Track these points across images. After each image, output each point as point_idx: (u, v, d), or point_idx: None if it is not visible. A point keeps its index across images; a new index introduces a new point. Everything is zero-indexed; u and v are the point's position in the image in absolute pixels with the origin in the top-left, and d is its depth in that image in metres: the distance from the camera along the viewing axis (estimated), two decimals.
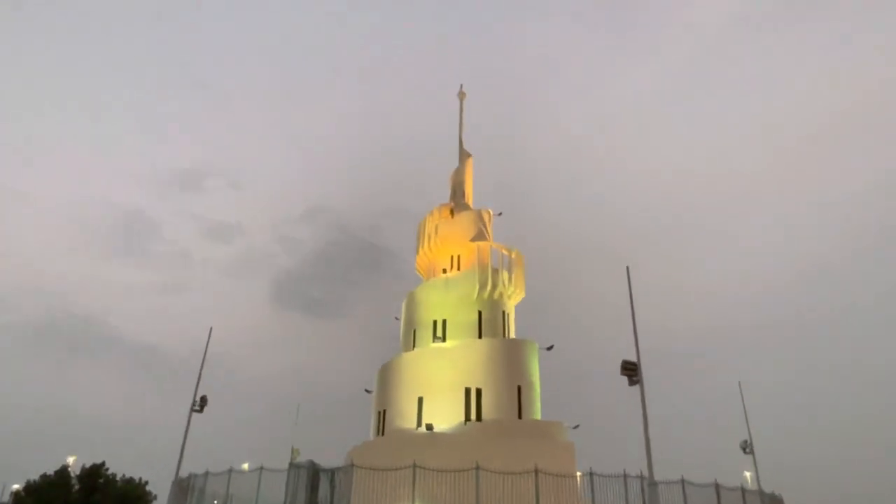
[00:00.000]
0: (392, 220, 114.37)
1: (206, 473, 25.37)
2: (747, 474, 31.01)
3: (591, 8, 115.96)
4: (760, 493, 25.61)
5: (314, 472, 24.68)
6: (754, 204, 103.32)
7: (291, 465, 24.42)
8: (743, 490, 24.15)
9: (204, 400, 28.87)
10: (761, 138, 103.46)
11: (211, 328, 31.59)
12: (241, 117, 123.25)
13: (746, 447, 30.47)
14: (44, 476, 41.80)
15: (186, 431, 27.96)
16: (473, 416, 29.36)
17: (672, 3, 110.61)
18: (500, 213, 38.67)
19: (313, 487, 24.37)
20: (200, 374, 29.79)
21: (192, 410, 28.58)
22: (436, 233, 36.42)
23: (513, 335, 34.04)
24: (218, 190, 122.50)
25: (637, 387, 22.93)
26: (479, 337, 32.34)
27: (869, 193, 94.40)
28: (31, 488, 40.86)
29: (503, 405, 29.71)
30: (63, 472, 42.32)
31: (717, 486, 22.70)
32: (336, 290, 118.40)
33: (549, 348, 32.67)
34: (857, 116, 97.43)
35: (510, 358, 31.03)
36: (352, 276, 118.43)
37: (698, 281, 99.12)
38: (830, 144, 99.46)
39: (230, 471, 24.53)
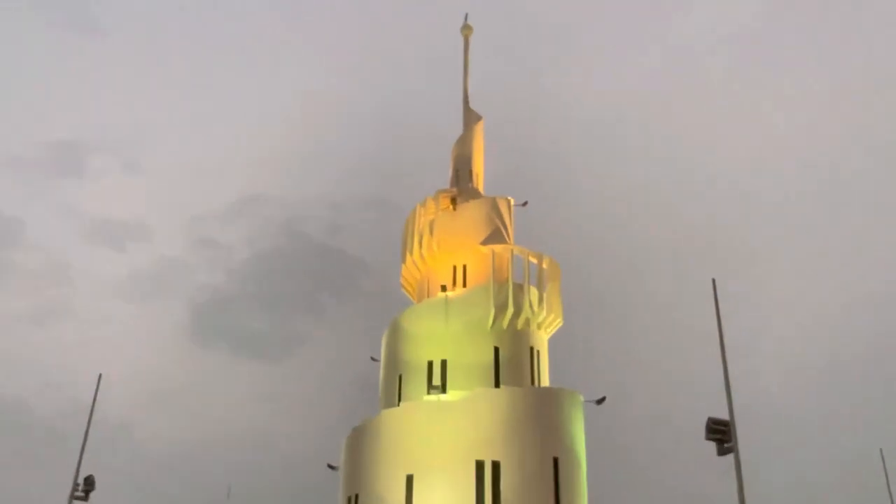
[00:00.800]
0: (364, 216, 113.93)
1: None
2: None
3: None
4: None
5: None
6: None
7: None
8: None
9: (90, 481, 28.25)
10: None
11: (100, 375, 31.21)
12: (140, 69, 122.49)
13: None
14: None
15: None
16: (489, 501, 28.76)
17: None
18: (524, 203, 38.60)
19: None
20: (85, 442, 29.39)
21: (73, 497, 27.98)
22: (431, 232, 36.06)
23: (546, 382, 33.69)
24: (107, 173, 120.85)
25: (730, 456, 22.70)
26: (497, 385, 31.84)
27: None
28: None
29: (532, 486, 29.22)
30: None
31: None
32: (281, 317, 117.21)
33: (600, 402, 32.25)
34: None
35: (542, 416, 30.60)
36: (305, 297, 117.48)
37: (803, 308, 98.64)
38: None
39: None
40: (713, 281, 26.52)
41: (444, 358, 32.54)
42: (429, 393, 31.87)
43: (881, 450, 33.65)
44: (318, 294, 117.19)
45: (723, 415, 23.59)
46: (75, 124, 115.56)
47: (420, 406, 31.48)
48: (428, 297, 35.54)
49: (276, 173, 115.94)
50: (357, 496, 30.83)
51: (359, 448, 31.74)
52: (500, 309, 32.97)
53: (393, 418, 31.65)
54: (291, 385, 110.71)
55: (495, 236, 35.76)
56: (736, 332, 26.30)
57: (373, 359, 36.14)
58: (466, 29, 43.73)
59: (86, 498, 28.18)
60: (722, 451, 23.31)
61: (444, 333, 33.02)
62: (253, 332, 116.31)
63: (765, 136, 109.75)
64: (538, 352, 33.91)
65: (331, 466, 33.51)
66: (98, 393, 30.69)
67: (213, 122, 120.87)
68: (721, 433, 23.50)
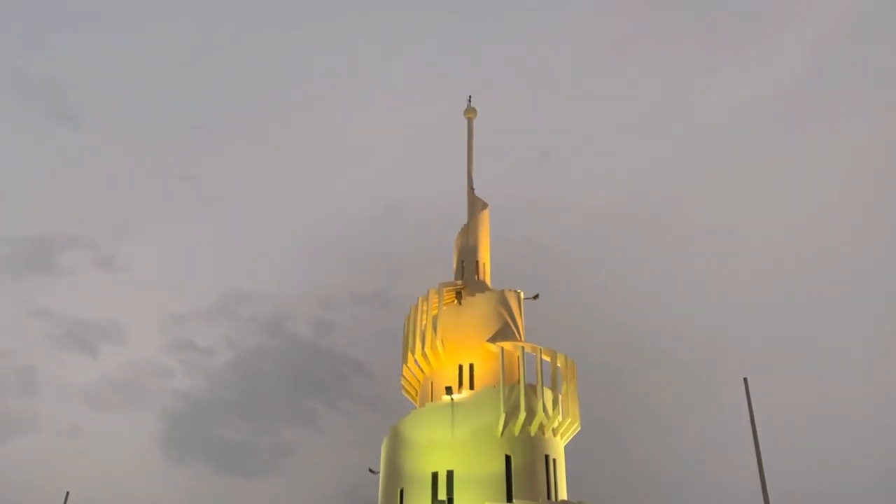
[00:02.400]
0: (358, 312, 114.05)
1: None
2: None
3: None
4: None
5: None
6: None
7: None
8: None
9: None
10: None
11: (67, 493, 30.79)
12: (117, 161, 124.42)
13: None
14: None
15: None
16: None
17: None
18: (535, 296, 38.73)
19: None
20: None
21: None
22: (434, 329, 36.00)
23: (564, 496, 33.04)
24: (79, 270, 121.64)
25: None
26: (509, 499, 31.06)
27: None
28: None
29: None
30: None
31: None
32: (266, 427, 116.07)
33: None
34: None
35: None
36: (292, 403, 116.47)
37: (841, 404, 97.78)
38: None
39: None
40: (745, 380, 26.76)
41: (450, 469, 31.96)
42: None
43: None
44: (307, 400, 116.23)
45: None
46: (46, 218, 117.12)
47: None
48: (431, 400, 35.18)
49: (260, 268, 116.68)
50: None
51: None
52: (512, 413, 32.51)
53: None
54: (278, 502, 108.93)
55: (504, 333, 35.65)
56: (771, 429, 26.32)
57: (371, 471, 35.65)
58: (470, 112, 44.51)
59: None
60: None
61: (449, 441, 32.53)
62: (234, 444, 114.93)
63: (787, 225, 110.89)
64: (554, 460, 33.31)
65: None
66: None
67: (194, 215, 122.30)
68: None
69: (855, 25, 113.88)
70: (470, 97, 45.26)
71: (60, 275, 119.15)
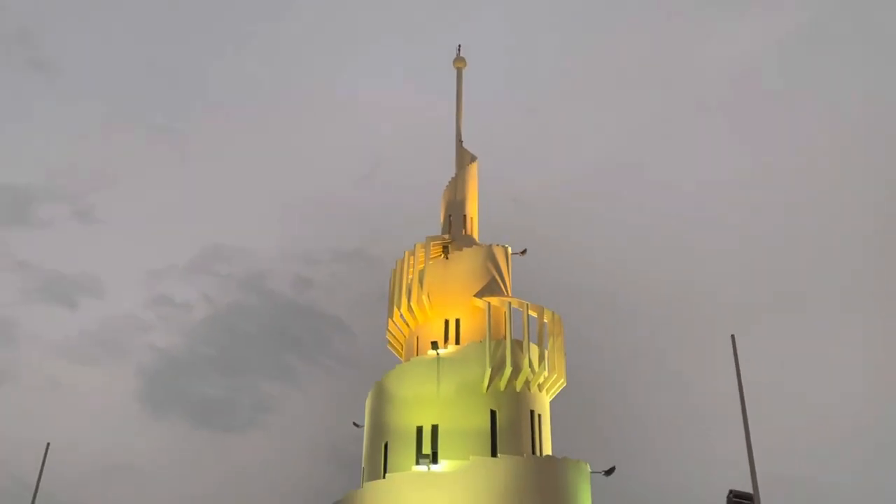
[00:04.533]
0: (338, 269, 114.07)
1: None
2: None
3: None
4: None
5: None
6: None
7: None
8: None
9: None
10: None
11: (47, 444, 31.04)
12: (97, 112, 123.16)
13: None
14: None
15: None
16: None
17: None
18: (523, 252, 38.86)
19: None
20: None
21: None
22: (420, 284, 36.20)
23: (548, 450, 33.57)
24: (55, 224, 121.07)
25: None
26: (493, 454, 31.60)
27: None
28: None
29: None
30: None
31: None
32: (245, 382, 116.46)
33: (609, 472, 32.15)
34: None
35: (545, 489, 30.39)
36: (271, 359, 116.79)
37: (831, 364, 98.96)
38: None
39: None
40: (732, 337, 26.73)
41: (434, 423, 32.38)
42: (418, 463, 31.54)
43: None
44: (287, 356, 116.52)
45: (745, 487, 23.65)
46: (22, 170, 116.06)
47: (408, 478, 31.12)
48: (417, 355, 35.45)
49: (240, 223, 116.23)
50: None
51: None
52: (497, 368, 32.88)
53: (378, 492, 31.33)
54: (258, 458, 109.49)
55: (491, 288, 35.88)
56: (758, 387, 26.56)
57: (355, 424, 35.98)
58: (459, 61, 44.18)
59: None
60: None
61: (434, 396, 32.87)
62: (213, 400, 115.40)
63: (773, 184, 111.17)
64: (539, 416, 33.79)
65: None
66: (45, 464, 30.59)
67: (174, 169, 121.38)
68: None
69: None
70: (459, 46, 44.93)
71: (38, 227, 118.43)
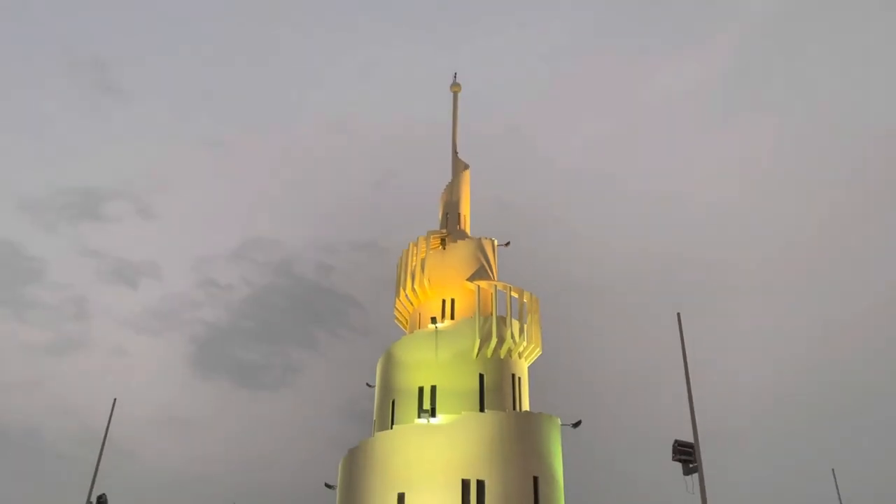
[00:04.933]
0: (354, 258, 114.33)
1: None
2: None
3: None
4: None
5: None
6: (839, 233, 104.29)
7: None
8: None
9: (102, 500, 27.77)
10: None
11: (114, 400, 30.80)
12: (152, 123, 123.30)
13: None
14: None
15: None
16: None
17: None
18: (507, 244, 38.53)
19: None
20: (99, 463, 28.94)
21: None
22: (422, 269, 35.95)
23: (526, 407, 33.32)
24: (122, 219, 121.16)
25: (695, 476, 22.71)
26: (482, 409, 31.40)
27: None
28: None
29: (513, 502, 28.79)
30: None
31: None
32: (279, 351, 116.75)
33: (576, 425, 31.99)
34: None
35: (523, 438, 30.19)
36: (301, 332, 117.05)
37: (758, 339, 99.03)
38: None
39: None
40: (678, 315, 26.53)
41: (433, 384, 32.18)
42: (419, 416, 31.53)
43: (833, 470, 33.80)
44: (311, 328, 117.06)
45: (688, 437, 23.55)
46: (96, 175, 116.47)
47: (412, 429, 31.08)
48: (419, 328, 35.28)
49: (273, 219, 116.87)
50: None
51: (354, 468, 31.24)
52: (485, 339, 32.77)
53: (387, 440, 31.24)
54: (288, 411, 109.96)
55: (480, 273, 35.64)
56: (699, 357, 26.36)
57: (368, 385, 35.80)
58: (455, 86, 44.29)
59: None
60: (687, 472, 23.19)
61: (433, 362, 32.74)
62: (251, 364, 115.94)
63: (728, 182, 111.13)
64: (519, 378, 33.61)
65: (328, 486, 33.00)
66: (112, 417, 30.52)
67: (220, 175, 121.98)
68: (686, 454, 23.42)
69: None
70: (455, 74, 45.12)
71: (107, 222, 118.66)
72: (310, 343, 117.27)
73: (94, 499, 27.70)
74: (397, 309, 37.67)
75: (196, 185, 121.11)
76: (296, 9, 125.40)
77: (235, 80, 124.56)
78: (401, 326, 38.08)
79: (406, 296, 36.61)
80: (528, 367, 34.76)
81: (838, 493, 31.98)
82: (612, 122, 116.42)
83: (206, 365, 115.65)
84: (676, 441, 23.48)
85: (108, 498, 27.94)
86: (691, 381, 24.51)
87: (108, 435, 30.00)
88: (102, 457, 29.28)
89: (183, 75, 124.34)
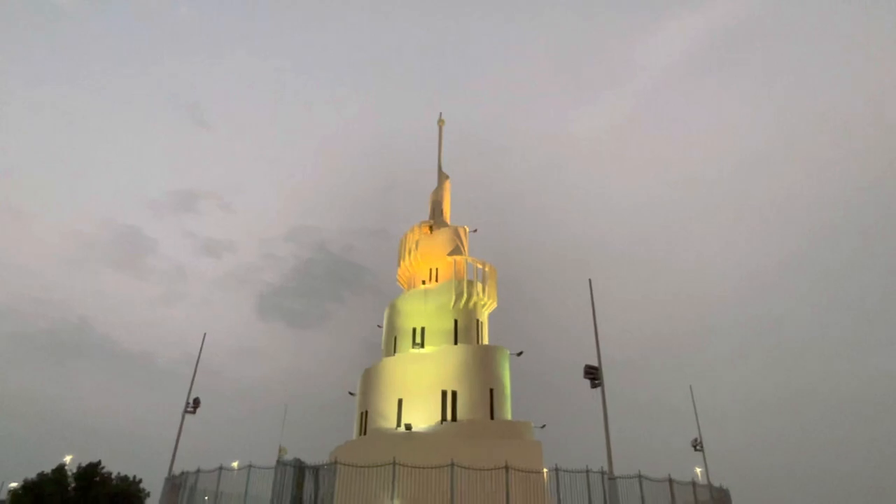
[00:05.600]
0: (369, 240, 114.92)
1: (198, 471, 24.78)
2: (698, 470, 31.26)
3: (557, 49, 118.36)
4: (710, 486, 25.79)
5: (300, 470, 24.25)
6: (699, 226, 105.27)
7: (278, 463, 23.94)
8: (694, 484, 24.30)
9: (197, 402, 28.36)
10: (702, 174, 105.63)
11: (205, 334, 31.27)
12: (230, 144, 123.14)
13: (697, 445, 30.77)
14: (41, 474, 40.47)
15: (180, 431, 27.42)
16: (449, 416, 29.18)
17: (627, 49, 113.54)
18: (475, 230, 38.75)
19: (299, 484, 23.93)
20: (194, 377, 29.37)
21: (185, 412, 28.06)
22: (416, 247, 36.31)
23: (486, 342, 33.96)
24: (210, 211, 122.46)
25: (598, 389, 23.34)
26: (455, 343, 32.19)
27: (803, 209, 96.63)
28: (28, 486, 39.49)
29: (476, 406, 29.58)
30: (60, 470, 41.04)
31: (670, 481, 22.83)
32: (317, 303, 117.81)
33: (519, 354, 32.65)
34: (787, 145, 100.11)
35: (483, 363, 30.93)
36: (332, 290, 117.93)
37: (653, 294, 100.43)
38: (762, 171, 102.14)
39: (220, 469, 23.97)
40: (589, 281, 26.77)
41: (423, 326, 32.92)
42: (413, 347, 32.33)
43: (690, 386, 34.29)
44: (339, 288, 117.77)
45: (595, 362, 24.18)
46: (191, 180, 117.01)
47: (408, 356, 31.93)
48: (414, 288, 35.72)
49: (314, 213, 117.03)
50: (367, 412, 31.13)
51: (368, 382, 31.99)
52: (459, 296, 33.44)
53: (390, 363, 32.02)
54: (323, 344, 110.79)
55: (456, 251, 36.00)
56: (605, 310, 26.67)
57: (378, 326, 36.09)
58: (441, 122, 43.93)
59: (194, 412, 28.36)
60: (593, 386, 23.89)
61: (423, 310, 33.41)
62: (298, 311, 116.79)
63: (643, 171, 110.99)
64: (482, 323, 34.25)
65: (350, 393, 33.67)
66: (203, 346, 30.83)
67: (276, 180, 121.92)
68: (592, 374, 24.13)
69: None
70: (441, 113, 44.58)
71: (200, 213, 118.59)
72: (338, 298, 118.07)
73: (191, 400, 28.32)
74: (399, 275, 37.81)
75: (259, 186, 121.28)
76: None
77: (284, 110, 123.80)
78: (401, 286, 38.35)
79: (405, 266, 36.94)
80: (488, 315, 35.23)
81: (694, 406, 32.17)
82: (567, 127, 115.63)
83: (266, 312, 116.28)
84: (586, 365, 24.12)
85: (201, 400, 28.57)
86: (599, 331, 24.87)
87: (200, 359, 30.37)
88: (196, 373, 29.69)
89: (254, 109, 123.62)
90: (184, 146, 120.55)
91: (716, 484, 26.91)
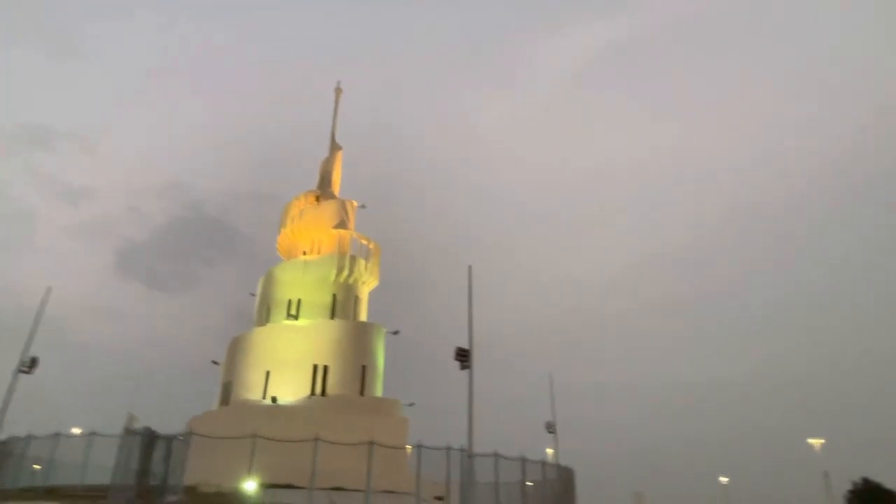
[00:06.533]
0: (249, 203, 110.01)
1: (29, 437, 22.53)
2: (549, 450, 33.70)
3: (460, 39, 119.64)
4: (557, 465, 27.90)
5: (150, 440, 22.80)
6: (579, 221, 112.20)
7: (125, 431, 22.36)
8: (543, 463, 26.15)
9: (34, 361, 25.77)
10: (593, 172, 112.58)
11: (49, 288, 28.29)
12: (103, 80, 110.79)
13: (550, 428, 33.19)
14: None
15: (9, 392, 24.71)
16: (319, 391, 29.04)
17: (531, 47, 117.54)
18: (363, 206, 38.16)
19: (147, 455, 22.53)
20: (32, 333, 26.52)
21: (20, 371, 25.36)
22: (300, 216, 35.45)
23: (363, 319, 34.00)
24: (70, 153, 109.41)
25: (467, 371, 23.69)
26: (332, 318, 31.98)
27: (680, 208, 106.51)
28: None
29: (347, 382, 29.70)
30: None
31: (523, 460, 24.35)
32: (185, 266, 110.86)
33: (395, 333, 33.08)
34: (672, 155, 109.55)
35: (358, 339, 31.04)
36: (203, 253, 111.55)
37: (527, 284, 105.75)
38: (652, 178, 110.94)
39: (57, 435, 21.97)
40: (469, 267, 26.99)
41: (300, 298, 32.30)
42: (287, 319, 31.67)
43: (550, 374, 36.09)
44: (211, 253, 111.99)
45: (466, 345, 24.90)
46: (52, 113, 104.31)
47: (281, 327, 31.23)
48: (294, 258, 34.77)
49: (191, 168, 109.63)
50: (231, 383, 30.14)
51: (236, 351, 30.98)
52: (340, 270, 33.10)
53: (262, 333, 31.20)
54: (189, 311, 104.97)
55: (342, 224, 35.50)
56: (486, 295, 27.37)
57: (251, 294, 35.03)
58: (338, 90, 42.74)
59: (29, 371, 25.74)
60: (463, 368, 24.56)
61: (301, 282, 32.74)
62: (163, 273, 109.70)
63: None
64: (360, 299, 34.19)
65: (214, 362, 32.41)
66: (46, 301, 27.85)
67: (156, 125, 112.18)
68: (463, 357, 24.86)
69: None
70: (339, 81, 43.42)
71: (58, 154, 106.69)
72: (208, 262, 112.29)
73: (26, 359, 25.68)
74: (279, 243, 36.54)
75: (132, 135, 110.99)
76: None
77: (179, 49, 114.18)
78: (280, 255, 37.29)
79: (286, 234, 35.77)
80: (368, 293, 35.20)
81: (552, 391, 34.27)
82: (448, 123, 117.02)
83: (126, 271, 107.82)
84: (458, 347, 24.80)
85: (40, 360, 26.00)
86: (474, 316, 25.54)
87: (43, 315, 27.45)
88: (37, 331, 26.89)
89: (131, 45, 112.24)
90: (46, 76, 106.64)
91: (563, 464, 29.17)
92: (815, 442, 40.47)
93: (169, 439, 22.79)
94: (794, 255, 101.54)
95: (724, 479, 51.74)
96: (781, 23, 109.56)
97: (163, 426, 22.58)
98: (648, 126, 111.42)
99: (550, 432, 33.11)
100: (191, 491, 21.59)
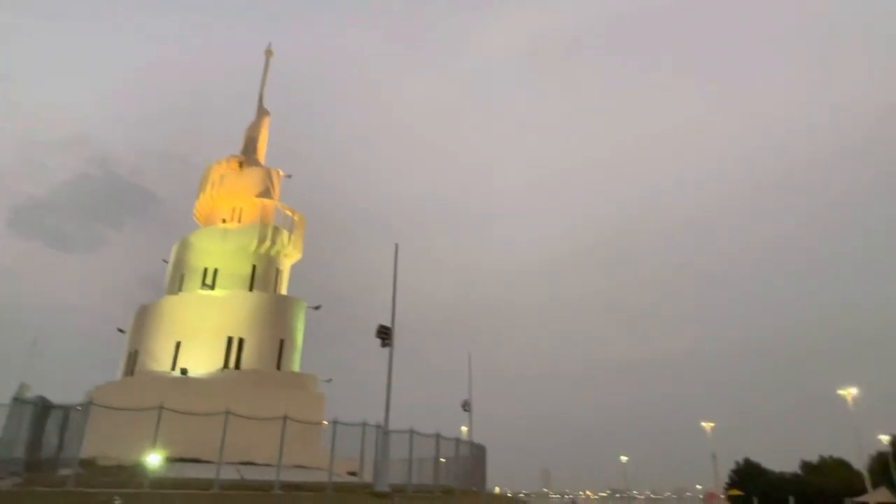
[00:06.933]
0: (165, 164, 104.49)
1: None
2: (464, 428, 34.49)
3: (393, 20, 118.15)
4: (470, 442, 28.69)
5: (43, 409, 21.34)
6: (508, 201, 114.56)
7: (15, 400, 20.78)
8: (457, 440, 26.82)
9: None
10: (522, 154, 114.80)
11: None
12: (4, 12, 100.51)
13: (466, 406, 33.93)
14: None
15: None
16: (233, 364, 28.21)
17: (460, 33, 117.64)
18: (289, 176, 37.35)
19: (40, 425, 21.09)
20: None
21: None
22: (221, 182, 34.07)
23: (284, 292, 33.31)
24: None
25: (387, 349, 23.94)
26: (251, 289, 31.06)
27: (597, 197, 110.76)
28: None
29: (264, 356, 29.05)
30: None
31: (437, 436, 24.85)
32: (88, 226, 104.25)
33: (317, 308, 32.60)
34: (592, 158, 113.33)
35: (277, 312, 30.35)
36: (110, 214, 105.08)
37: (454, 262, 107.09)
38: (571, 174, 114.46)
39: None
40: (396, 245, 27.41)
41: (216, 267, 31.14)
42: (202, 288, 30.49)
43: (469, 354, 37.01)
44: (119, 214, 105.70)
45: (388, 323, 25.01)
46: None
47: (194, 296, 30.00)
48: (212, 225, 33.39)
49: (101, 122, 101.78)
50: (137, 353, 28.70)
51: (144, 319, 29.50)
52: (261, 241, 32.17)
53: (174, 302, 29.83)
54: (92, 273, 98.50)
55: (266, 193, 34.52)
56: (406, 278, 27.52)
57: (164, 261, 33.37)
58: (268, 53, 41.07)
59: None
60: (384, 345, 24.71)
61: (219, 251, 31.54)
62: (63, 232, 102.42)
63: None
64: (282, 272, 33.46)
65: (120, 330, 30.78)
66: None
67: (70, 71, 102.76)
68: (384, 334, 24.98)
69: None
70: (270, 43, 41.73)
71: None
72: (116, 225, 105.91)
73: None
74: (196, 208, 35.02)
75: (43, 77, 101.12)
76: None
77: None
78: (197, 222, 35.75)
79: (205, 199, 34.30)
80: (290, 266, 34.46)
81: (470, 371, 35.04)
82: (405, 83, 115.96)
83: (21, 228, 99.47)
84: (379, 325, 24.85)
85: None
86: (398, 294, 25.70)
87: None
88: None
89: None
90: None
91: (476, 441, 30.01)
92: (707, 425, 43.88)
93: (65, 409, 21.47)
94: (692, 255, 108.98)
95: (623, 458, 55.22)
96: None
97: (60, 397, 21.29)
98: (565, 124, 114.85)
99: (466, 410, 33.84)
100: (88, 464, 20.49)
